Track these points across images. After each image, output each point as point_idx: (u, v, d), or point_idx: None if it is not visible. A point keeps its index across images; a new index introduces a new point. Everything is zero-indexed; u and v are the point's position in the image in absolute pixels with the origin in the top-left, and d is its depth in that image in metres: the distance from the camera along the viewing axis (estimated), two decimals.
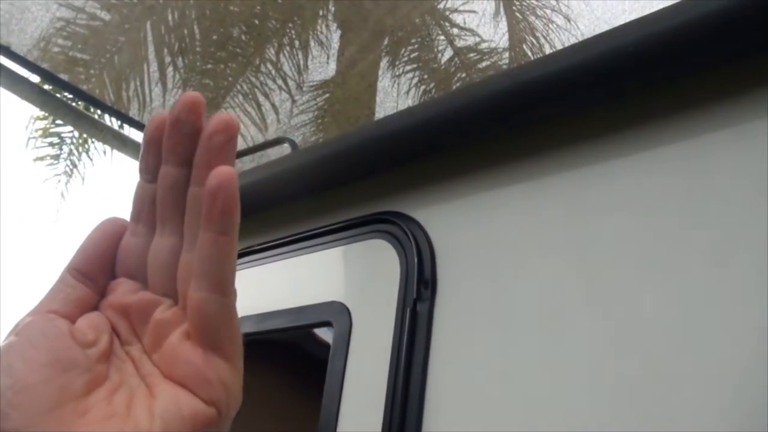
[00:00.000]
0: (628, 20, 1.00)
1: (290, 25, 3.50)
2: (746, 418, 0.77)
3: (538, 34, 3.65)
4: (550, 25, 3.56)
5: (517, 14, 3.67)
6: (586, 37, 1.06)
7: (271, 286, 1.48)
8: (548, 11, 3.55)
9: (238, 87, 3.45)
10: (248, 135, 3.38)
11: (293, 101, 3.45)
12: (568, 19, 3.27)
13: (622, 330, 0.91)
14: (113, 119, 3.37)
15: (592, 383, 0.91)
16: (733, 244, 0.85)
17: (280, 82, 3.48)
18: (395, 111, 3.33)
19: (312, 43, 3.52)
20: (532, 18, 3.66)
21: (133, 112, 2.85)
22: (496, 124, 1.14)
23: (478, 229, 1.16)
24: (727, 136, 0.92)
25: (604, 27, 1.03)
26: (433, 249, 1.20)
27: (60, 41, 2.54)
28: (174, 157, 0.48)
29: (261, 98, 3.44)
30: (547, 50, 3.56)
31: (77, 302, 0.48)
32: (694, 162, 0.93)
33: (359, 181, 1.37)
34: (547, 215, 1.07)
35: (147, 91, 2.89)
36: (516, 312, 1.04)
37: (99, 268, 0.50)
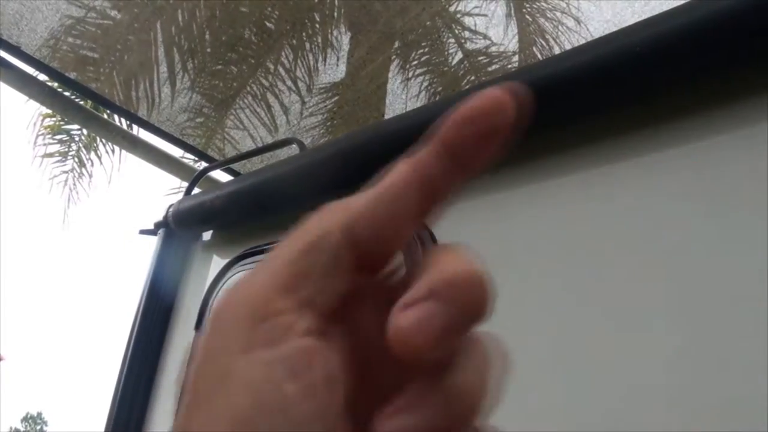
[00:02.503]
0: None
1: (300, 27, 3.51)
2: None
3: (548, 37, 3.64)
4: (560, 28, 3.56)
5: (527, 17, 3.67)
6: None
7: None
8: (558, 13, 3.54)
9: (248, 89, 3.45)
10: (258, 136, 3.39)
11: (303, 103, 3.45)
12: (578, 21, 3.26)
13: (634, 333, 0.90)
14: (122, 119, 3.38)
15: (603, 389, 0.91)
16: (743, 242, 0.85)
17: (289, 83, 3.48)
18: None
19: (322, 46, 3.52)
20: (542, 20, 3.66)
21: (143, 113, 2.86)
22: None
23: (484, 232, 1.15)
24: (739, 138, 0.91)
25: (614, 29, 1.02)
26: None
27: (70, 39, 2.55)
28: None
29: (271, 99, 3.45)
30: (557, 53, 3.55)
31: None
32: (704, 162, 0.92)
33: (366, 180, 1.36)
34: (555, 218, 1.06)
35: (156, 91, 2.89)
36: (522, 317, 1.03)
37: None
